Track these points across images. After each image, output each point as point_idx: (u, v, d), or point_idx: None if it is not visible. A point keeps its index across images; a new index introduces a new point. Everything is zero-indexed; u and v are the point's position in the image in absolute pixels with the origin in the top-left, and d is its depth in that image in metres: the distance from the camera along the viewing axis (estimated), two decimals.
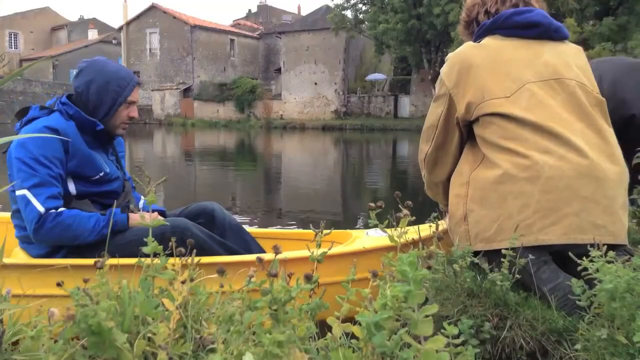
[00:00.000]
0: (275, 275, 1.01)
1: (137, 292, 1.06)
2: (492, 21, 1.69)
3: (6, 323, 1.02)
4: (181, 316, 1.06)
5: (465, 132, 1.71)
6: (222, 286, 1.20)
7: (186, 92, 36.99)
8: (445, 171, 1.79)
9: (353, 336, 0.99)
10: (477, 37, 1.75)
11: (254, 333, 1.00)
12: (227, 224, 2.31)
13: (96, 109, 2.10)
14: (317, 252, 1.40)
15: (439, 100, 1.71)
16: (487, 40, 1.69)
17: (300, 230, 2.71)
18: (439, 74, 1.79)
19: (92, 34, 45.93)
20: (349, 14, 31.75)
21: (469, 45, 1.71)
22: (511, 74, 1.59)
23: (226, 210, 2.38)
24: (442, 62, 1.90)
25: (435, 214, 2.03)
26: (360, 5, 31.80)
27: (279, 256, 1.10)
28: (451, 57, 1.71)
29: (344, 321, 1.01)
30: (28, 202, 1.90)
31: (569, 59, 1.64)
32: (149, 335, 1.01)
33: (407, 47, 28.69)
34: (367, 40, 34.52)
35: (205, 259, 1.80)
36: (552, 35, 1.67)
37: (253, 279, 1.07)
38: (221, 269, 1.15)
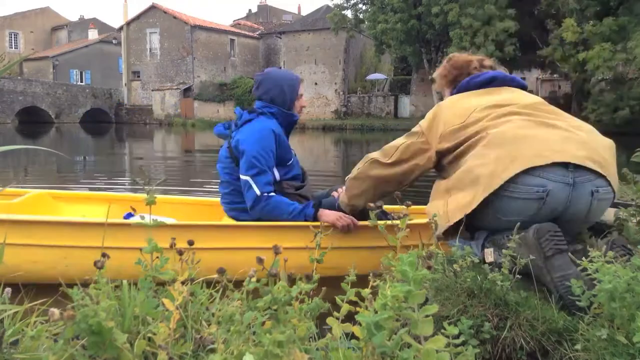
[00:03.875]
0: (276, 275, 1.01)
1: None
2: (465, 84, 2.16)
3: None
4: (181, 316, 1.06)
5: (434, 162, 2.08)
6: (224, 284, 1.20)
7: (186, 92, 36.97)
8: (382, 174, 2.17)
9: (353, 336, 0.99)
10: (455, 92, 2.19)
11: (254, 333, 1.00)
12: None
13: (283, 104, 2.68)
14: (317, 251, 1.40)
15: (413, 135, 2.14)
16: (459, 95, 2.14)
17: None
18: None
19: (93, 34, 45.90)
20: (349, 13, 31.74)
21: (445, 99, 2.21)
22: (465, 106, 2.00)
23: None
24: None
25: (435, 215, 2.02)
26: (360, 5, 31.79)
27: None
28: (433, 108, 2.15)
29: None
30: (250, 186, 2.52)
31: (524, 97, 2.04)
32: (149, 335, 1.01)
33: (407, 47, 28.67)
34: (367, 40, 34.52)
35: None
36: (509, 83, 2.13)
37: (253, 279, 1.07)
38: (222, 269, 1.15)
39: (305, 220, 2.50)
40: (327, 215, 2.53)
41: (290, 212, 2.52)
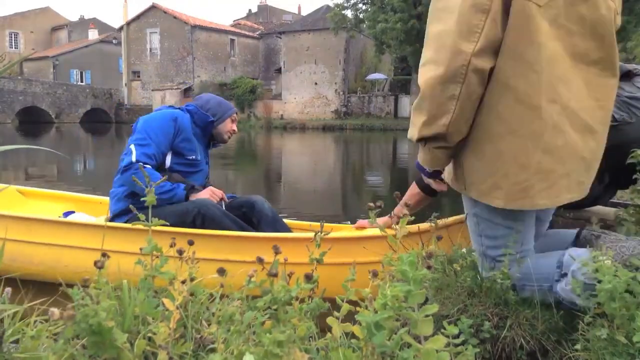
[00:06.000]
0: (275, 275, 1.01)
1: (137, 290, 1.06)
2: None
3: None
4: (181, 316, 1.06)
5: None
6: (222, 286, 1.21)
7: (186, 92, 36.93)
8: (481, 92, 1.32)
9: (353, 336, 0.99)
10: None
11: (254, 333, 1.00)
12: (264, 214, 2.73)
13: (212, 113, 2.81)
14: (317, 252, 1.40)
15: None
16: None
17: (334, 224, 2.92)
18: None
19: (93, 34, 45.89)
20: (349, 13, 31.74)
21: None
22: None
23: (267, 203, 2.80)
24: None
25: (435, 214, 2.03)
26: (360, 5, 31.78)
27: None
28: None
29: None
30: (130, 152, 2.54)
31: None
32: (149, 335, 1.01)
33: (407, 46, 28.65)
34: (367, 40, 34.50)
35: (215, 232, 2.39)
36: None
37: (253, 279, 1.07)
38: (221, 269, 1.15)
39: (172, 201, 2.51)
40: (200, 194, 2.58)
41: (159, 188, 2.45)
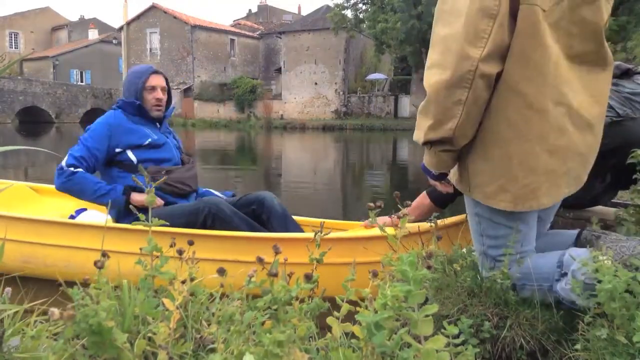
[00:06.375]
0: (276, 275, 1.01)
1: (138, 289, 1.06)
2: None
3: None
4: (181, 316, 1.06)
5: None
6: (222, 286, 1.21)
7: (186, 92, 36.95)
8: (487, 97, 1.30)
9: (353, 336, 0.99)
10: None
11: (254, 333, 1.00)
12: (274, 210, 2.71)
13: (132, 95, 2.79)
14: (317, 251, 1.40)
15: None
16: None
17: (344, 222, 2.95)
18: None
19: (93, 34, 45.89)
20: (349, 13, 31.75)
21: None
22: None
23: (277, 200, 2.77)
24: None
25: (435, 214, 2.03)
26: (360, 5, 31.79)
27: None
28: None
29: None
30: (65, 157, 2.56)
31: None
32: (149, 335, 1.01)
33: (407, 46, 28.66)
34: (367, 40, 34.52)
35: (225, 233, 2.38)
36: None
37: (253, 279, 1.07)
38: (221, 269, 1.15)
39: (114, 205, 2.52)
40: (139, 196, 2.53)
41: (94, 192, 2.52)
